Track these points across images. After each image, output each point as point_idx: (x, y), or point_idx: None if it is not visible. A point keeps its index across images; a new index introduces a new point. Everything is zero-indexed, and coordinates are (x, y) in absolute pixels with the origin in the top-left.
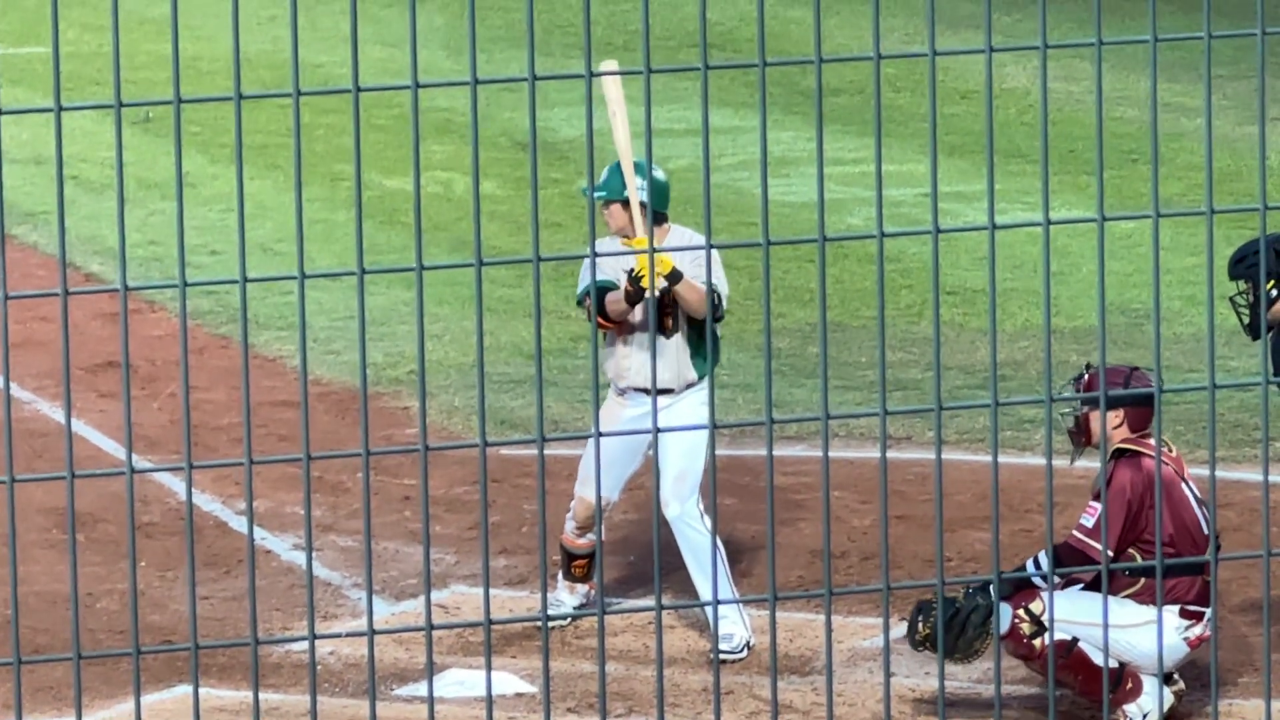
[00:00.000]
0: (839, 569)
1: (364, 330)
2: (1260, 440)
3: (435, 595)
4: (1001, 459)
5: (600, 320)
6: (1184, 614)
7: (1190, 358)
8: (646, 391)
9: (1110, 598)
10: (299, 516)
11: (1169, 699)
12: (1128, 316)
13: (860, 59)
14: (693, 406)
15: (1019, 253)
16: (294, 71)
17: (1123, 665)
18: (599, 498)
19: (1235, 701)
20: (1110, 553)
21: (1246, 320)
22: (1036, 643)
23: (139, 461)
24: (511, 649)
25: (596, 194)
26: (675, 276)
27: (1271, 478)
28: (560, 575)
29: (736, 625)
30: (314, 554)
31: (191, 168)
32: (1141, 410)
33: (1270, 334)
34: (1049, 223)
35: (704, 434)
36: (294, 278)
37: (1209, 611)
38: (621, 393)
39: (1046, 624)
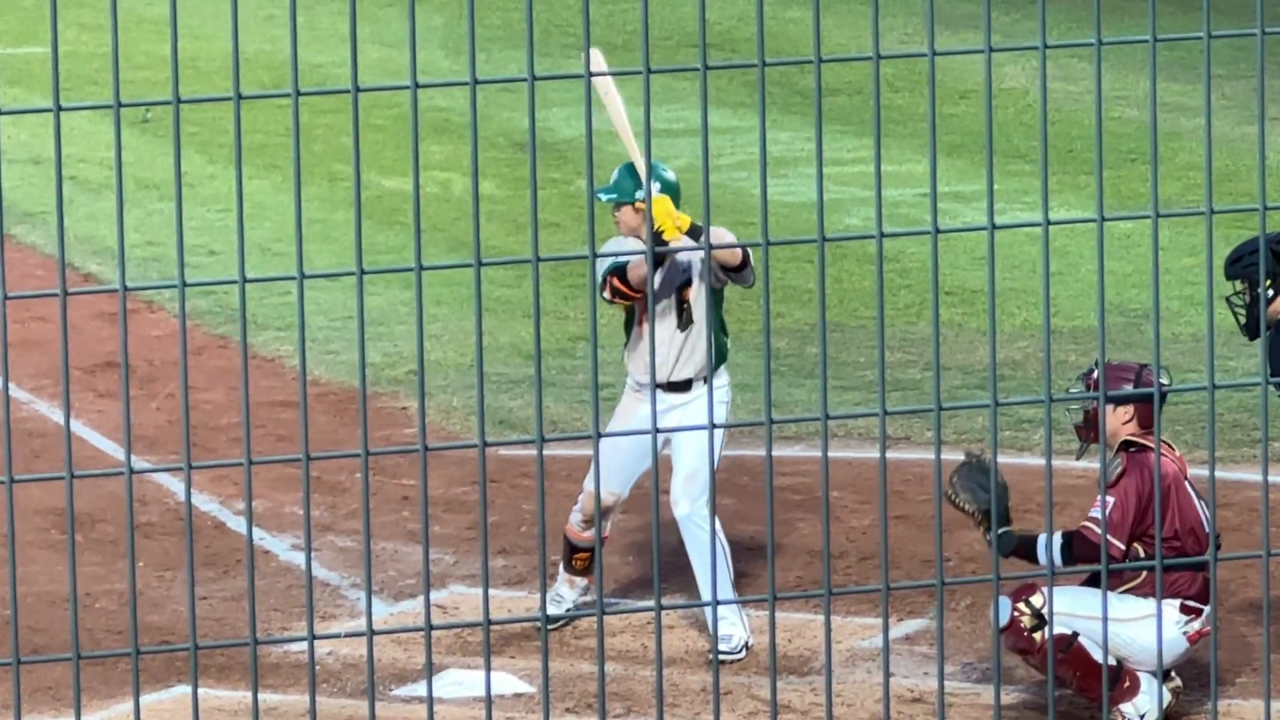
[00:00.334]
0: (838, 569)
1: (363, 330)
2: (1260, 440)
3: (434, 595)
4: (1000, 459)
5: (624, 289)
6: (1184, 609)
7: (1189, 358)
8: (665, 388)
9: (1110, 593)
10: (298, 517)
11: (1167, 697)
12: (1126, 316)
13: (859, 59)
14: (706, 407)
15: (1018, 253)
16: (293, 71)
17: (1121, 663)
18: (598, 499)
19: (1234, 701)
20: (1121, 545)
21: (1243, 320)
22: (1036, 636)
23: (137, 462)
24: (510, 649)
25: (607, 197)
26: (695, 231)
27: (1271, 478)
28: (561, 567)
29: (735, 626)
30: (312, 554)
31: (190, 168)
32: (1148, 407)
33: (1269, 333)
34: (1048, 223)
35: (719, 434)
36: (293, 278)
37: (1208, 609)
38: (639, 388)
39: (1046, 617)
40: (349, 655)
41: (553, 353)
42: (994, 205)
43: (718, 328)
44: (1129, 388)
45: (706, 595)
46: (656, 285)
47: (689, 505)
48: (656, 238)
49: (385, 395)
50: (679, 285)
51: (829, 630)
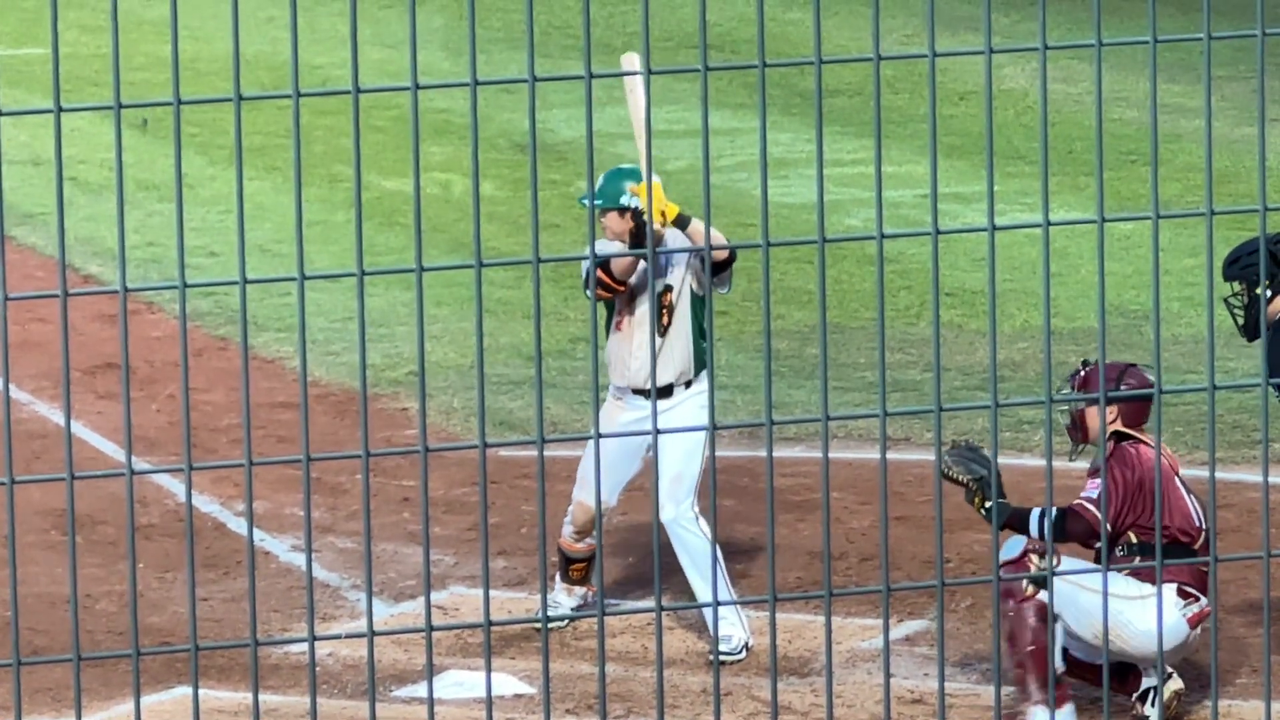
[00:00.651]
0: (838, 570)
1: (363, 331)
2: (1260, 441)
3: (434, 596)
4: (1001, 460)
5: (607, 280)
6: (1181, 593)
7: (1189, 359)
8: (644, 394)
9: (1111, 573)
10: (298, 518)
11: (1169, 690)
12: (1126, 317)
13: (860, 60)
14: (692, 409)
15: (1018, 254)
16: (293, 73)
17: (1060, 681)
18: (599, 501)
19: (1234, 702)
20: (1108, 525)
21: (1242, 322)
22: (1029, 588)
23: (138, 463)
24: (511, 650)
25: (593, 202)
26: (682, 221)
27: (1271, 479)
28: (558, 577)
29: (735, 627)
30: (313, 555)
31: (190, 169)
32: (1136, 406)
33: (1269, 334)
34: (1048, 224)
35: (702, 436)
36: (293, 279)
37: (1205, 599)
38: (619, 395)
39: (1047, 582)
40: (349, 656)
41: (553, 354)
42: (994, 206)
43: (696, 333)
44: (1112, 388)
45: (699, 597)
46: (636, 279)
47: (674, 508)
48: (638, 219)
49: (386, 396)
50: (659, 291)
51: (829, 631)
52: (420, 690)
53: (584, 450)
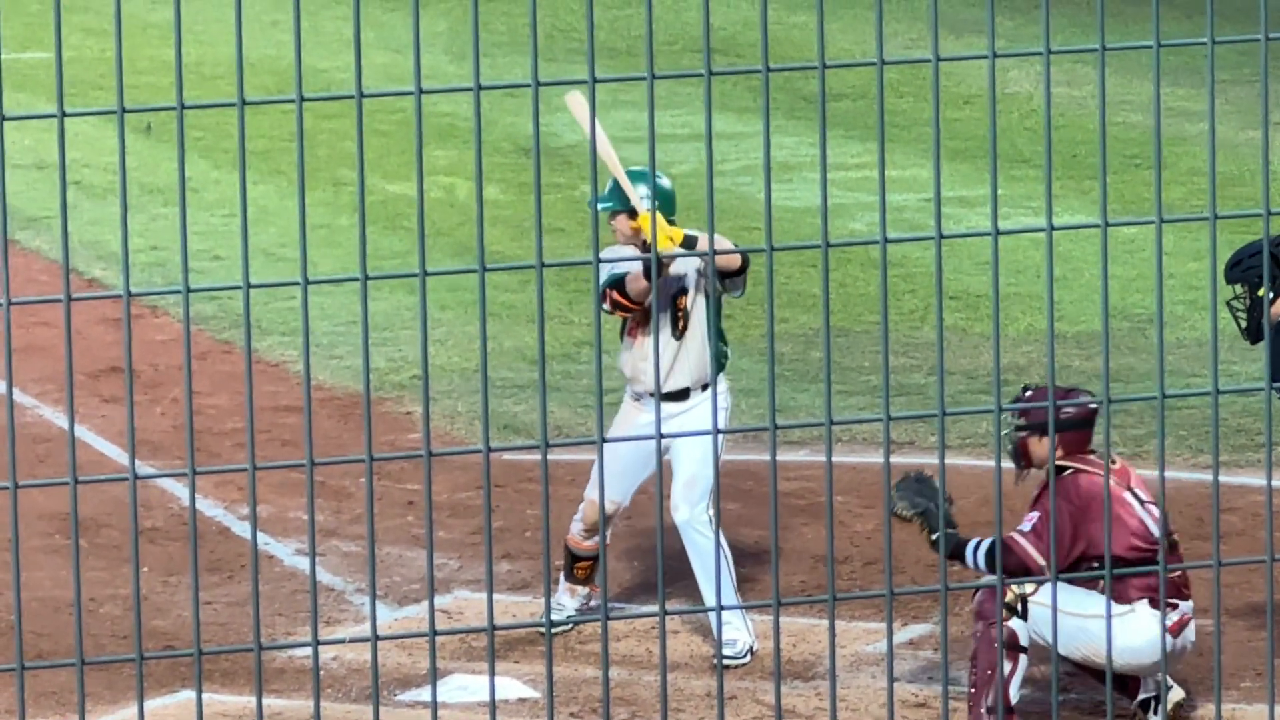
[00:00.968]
0: (842, 574)
1: (367, 335)
2: (1264, 445)
3: (438, 600)
4: (1006, 463)
5: (624, 301)
6: (1155, 604)
7: (1193, 363)
8: (664, 397)
9: (1080, 589)
10: (302, 522)
11: (1173, 698)
12: (1130, 321)
13: (863, 64)
14: (707, 413)
15: (1021, 258)
16: (297, 77)
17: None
18: (602, 505)
19: (1239, 706)
20: (1042, 561)
21: (1244, 324)
22: (1003, 613)
23: (141, 467)
24: (514, 654)
25: (602, 205)
26: (689, 242)
27: (1275, 482)
28: (562, 576)
29: (740, 630)
30: (317, 559)
31: (194, 173)
32: (1078, 433)
33: (1271, 337)
34: (1052, 228)
35: (720, 440)
36: (297, 283)
37: (1185, 604)
38: (638, 397)
39: (1024, 609)
40: (353, 660)
41: (557, 357)
42: (998, 210)
43: (716, 335)
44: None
45: (709, 600)
46: (651, 299)
47: (689, 511)
48: (647, 250)
49: (389, 400)
50: (674, 294)
51: (833, 635)
52: (424, 694)
53: (594, 453)
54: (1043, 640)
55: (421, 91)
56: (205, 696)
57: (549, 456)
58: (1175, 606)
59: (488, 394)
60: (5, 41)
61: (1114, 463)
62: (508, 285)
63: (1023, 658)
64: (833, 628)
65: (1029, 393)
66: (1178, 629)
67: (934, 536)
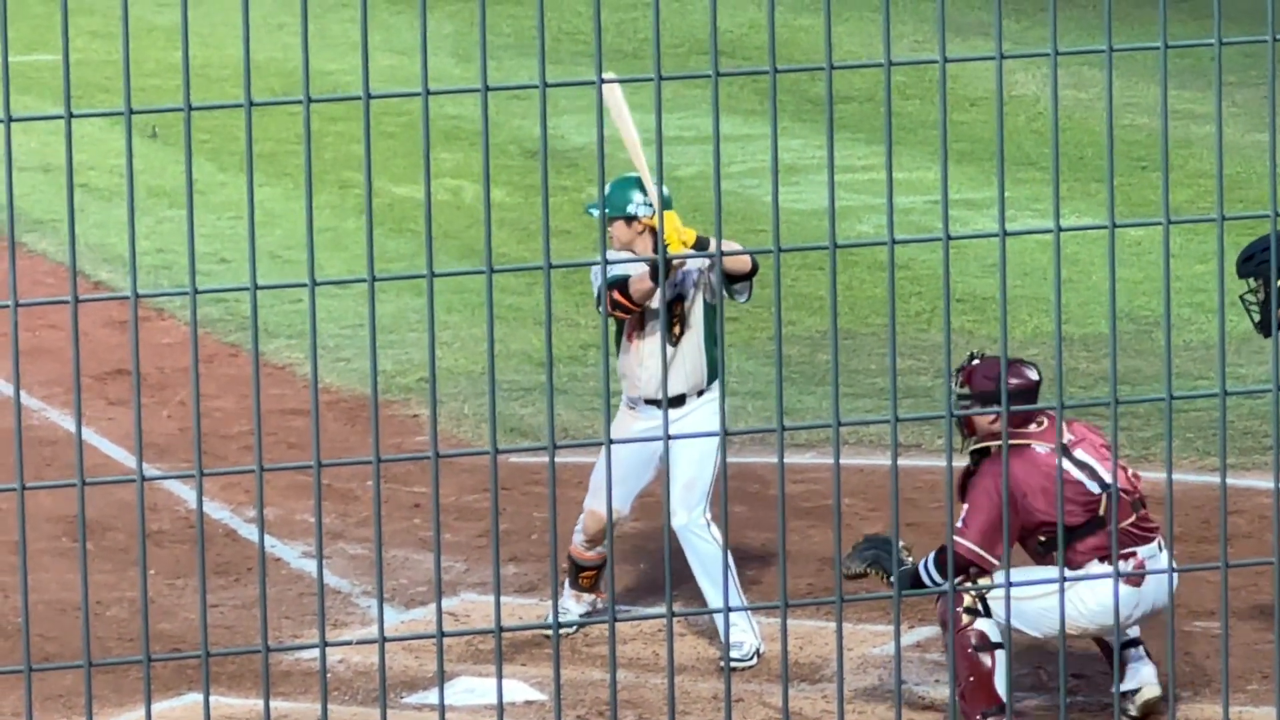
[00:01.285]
0: None
1: (374, 338)
2: (1271, 447)
3: (445, 603)
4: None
5: (624, 302)
6: (1107, 560)
7: (1200, 365)
8: (657, 404)
9: (1031, 569)
10: (308, 524)
11: (1152, 693)
12: (1137, 324)
13: (870, 66)
14: (705, 417)
15: (1028, 260)
16: (304, 79)
17: (1005, 706)
18: (609, 506)
19: (1246, 709)
20: (990, 556)
21: (1257, 319)
22: (965, 617)
23: (148, 469)
24: (521, 657)
25: (598, 212)
26: (702, 244)
27: None
28: (567, 584)
29: (746, 633)
30: (324, 562)
31: (200, 175)
32: (1021, 403)
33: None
34: (1059, 230)
35: (715, 443)
36: (304, 285)
37: (1145, 549)
38: (633, 405)
39: (983, 609)
40: (360, 663)
41: (563, 360)
42: (1005, 212)
43: (709, 342)
44: (991, 387)
45: (710, 604)
46: (655, 301)
47: (687, 515)
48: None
49: (396, 403)
50: (671, 299)
51: (841, 637)
52: (431, 697)
53: (596, 458)
54: (1016, 630)
55: (428, 93)
56: (212, 699)
57: (556, 458)
58: (1132, 555)
59: (495, 396)
60: (11, 44)
61: (1040, 424)
62: (514, 288)
63: (999, 654)
64: (840, 630)
65: (975, 361)
66: (1139, 580)
67: (890, 578)
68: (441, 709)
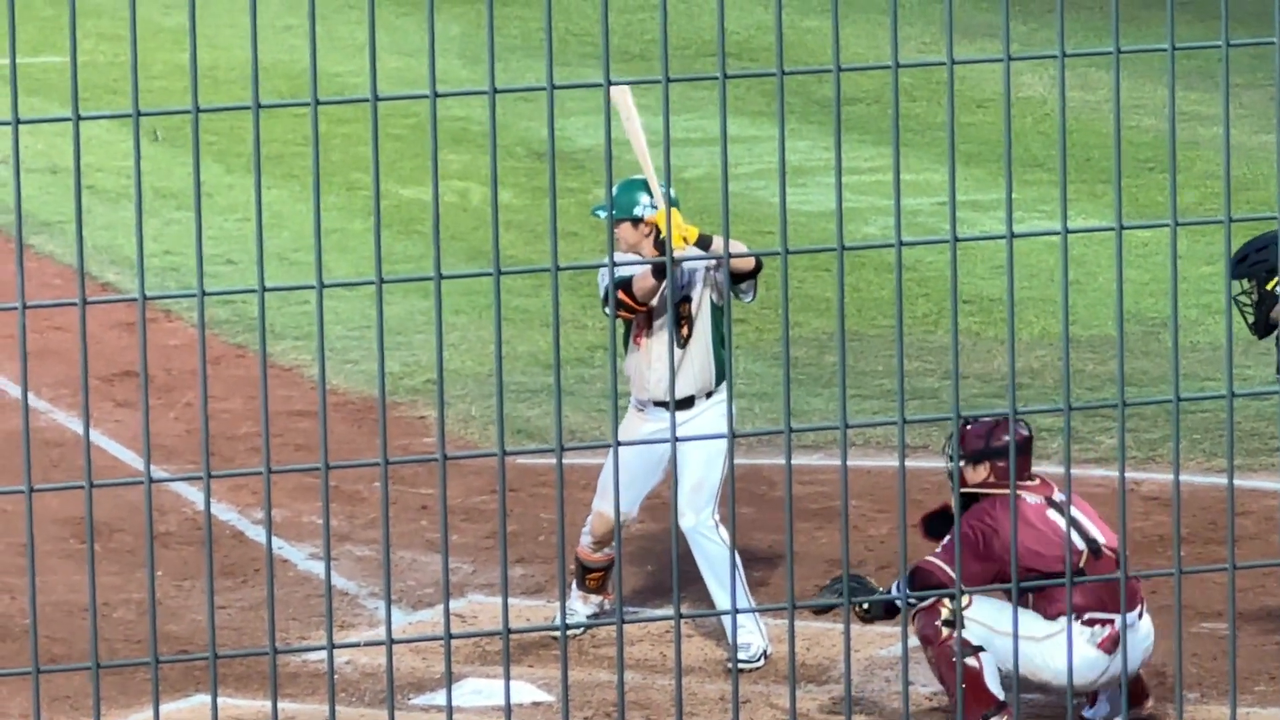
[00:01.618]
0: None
1: (382, 339)
2: (1277, 449)
3: (452, 604)
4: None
5: (629, 301)
6: (1088, 623)
7: (1207, 366)
8: (665, 406)
9: (1009, 605)
10: (315, 526)
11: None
12: (1144, 325)
13: (878, 68)
14: (713, 419)
15: (1035, 261)
16: (312, 81)
17: (1003, 704)
18: (618, 511)
19: (1253, 710)
20: (954, 574)
21: (1251, 320)
22: (944, 630)
23: (156, 471)
24: (529, 658)
25: (604, 214)
26: (704, 241)
27: None
28: (574, 585)
29: (754, 634)
30: (331, 563)
31: (208, 177)
32: (1008, 464)
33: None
34: (1067, 231)
35: (723, 445)
36: (312, 287)
37: (1120, 617)
38: (641, 407)
39: (962, 620)
40: (367, 664)
41: (571, 362)
42: (1012, 214)
43: (716, 344)
44: (982, 446)
45: (718, 605)
46: (658, 300)
47: (695, 516)
48: (661, 249)
49: (404, 404)
50: (677, 301)
51: (848, 639)
52: (439, 698)
53: (604, 460)
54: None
55: (436, 95)
56: (220, 701)
57: (563, 460)
58: (1107, 622)
59: (502, 398)
60: (19, 46)
61: (1033, 480)
62: (521, 290)
63: (984, 654)
64: (848, 631)
65: (968, 426)
66: (1111, 644)
67: (865, 607)
68: (449, 710)
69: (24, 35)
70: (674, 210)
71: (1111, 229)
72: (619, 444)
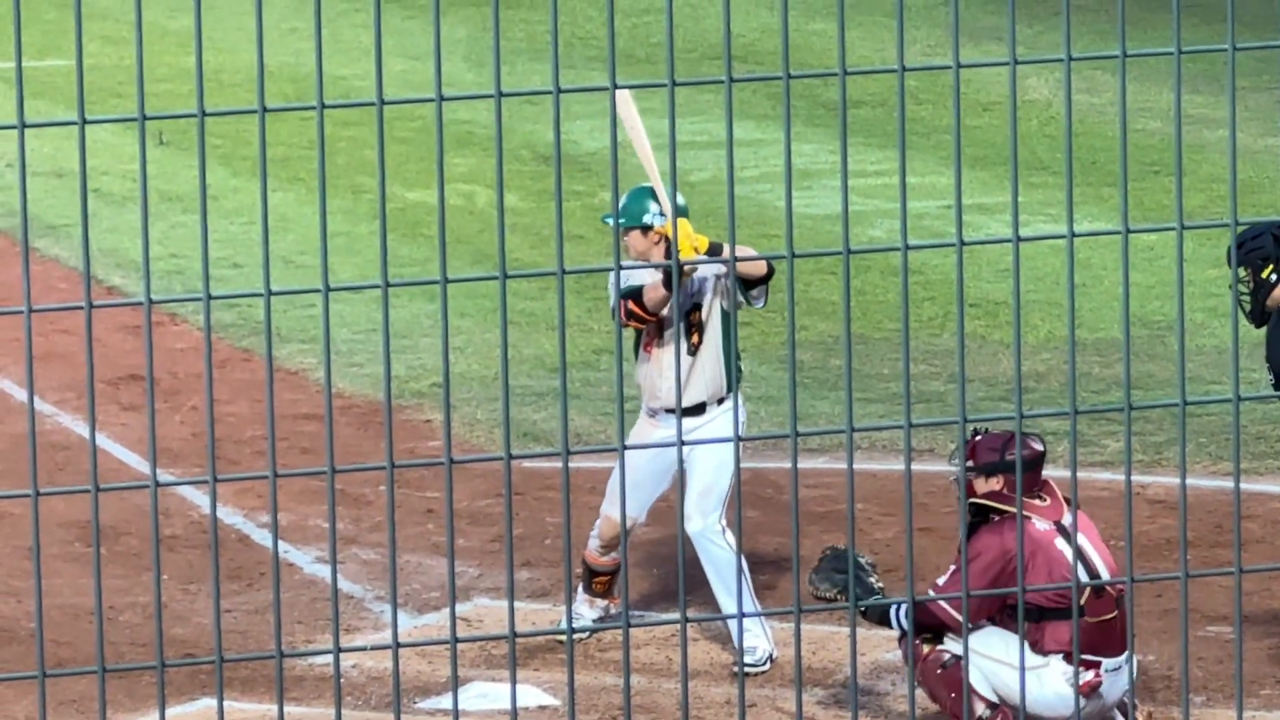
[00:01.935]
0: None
1: (388, 343)
2: None
3: (458, 608)
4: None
5: (639, 312)
6: (1070, 660)
7: (1213, 370)
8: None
9: (1007, 633)
10: (321, 529)
11: None
12: (1150, 329)
13: (884, 71)
14: (725, 425)
15: (1041, 264)
16: (318, 84)
17: (998, 704)
18: (624, 513)
19: (1259, 713)
20: (957, 616)
21: (1248, 307)
22: (925, 647)
23: (162, 475)
24: (535, 662)
25: (614, 222)
26: (715, 249)
27: None
28: (580, 589)
29: (759, 638)
30: (337, 567)
31: (213, 180)
32: (1025, 476)
33: (1269, 327)
34: (1073, 235)
35: (733, 450)
36: (317, 290)
37: (1109, 661)
38: (653, 414)
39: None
40: (373, 668)
41: (577, 365)
42: (1018, 217)
43: (727, 351)
44: (995, 459)
45: (724, 609)
46: (669, 310)
47: (702, 521)
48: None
49: (409, 408)
50: (688, 309)
51: (854, 643)
52: (445, 702)
53: (610, 464)
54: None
55: (442, 99)
56: (225, 704)
57: (569, 464)
58: (1095, 666)
59: (508, 401)
60: (24, 49)
61: (1044, 500)
62: (527, 293)
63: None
64: (854, 635)
65: (978, 437)
66: (1089, 690)
67: (860, 606)
68: (455, 714)
69: (29, 39)
70: (684, 222)
71: (1117, 232)
72: (625, 448)
